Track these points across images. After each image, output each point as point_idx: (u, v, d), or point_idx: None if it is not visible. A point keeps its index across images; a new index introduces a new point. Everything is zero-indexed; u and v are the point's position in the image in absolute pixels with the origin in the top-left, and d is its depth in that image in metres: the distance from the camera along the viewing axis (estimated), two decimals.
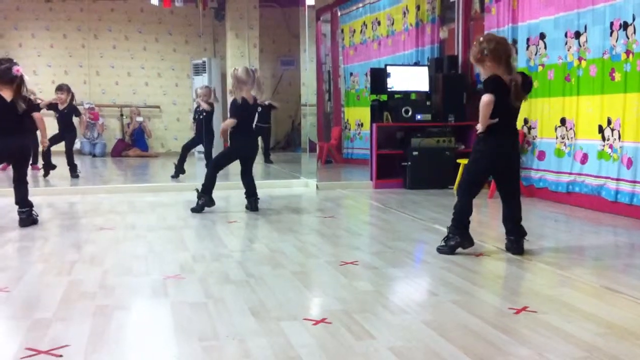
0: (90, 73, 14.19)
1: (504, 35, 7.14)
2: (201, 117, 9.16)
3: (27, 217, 5.29)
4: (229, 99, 6.15)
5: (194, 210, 5.97)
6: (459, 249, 4.18)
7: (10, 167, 8.58)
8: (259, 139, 11.31)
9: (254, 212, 5.96)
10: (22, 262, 4.06)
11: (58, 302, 3.14)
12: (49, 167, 8.80)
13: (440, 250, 4.22)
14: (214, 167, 6.10)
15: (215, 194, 6.08)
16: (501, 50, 4.02)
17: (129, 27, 14.35)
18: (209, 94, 9.29)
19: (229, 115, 6.03)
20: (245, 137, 6.06)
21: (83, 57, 14.16)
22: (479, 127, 4.13)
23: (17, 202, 5.33)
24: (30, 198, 5.39)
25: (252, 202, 6.09)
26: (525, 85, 4.14)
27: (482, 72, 4.17)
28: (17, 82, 5.13)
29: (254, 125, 6.25)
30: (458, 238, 4.16)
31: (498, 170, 4.27)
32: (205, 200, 5.97)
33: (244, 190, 6.14)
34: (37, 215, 5.44)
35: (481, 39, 4.12)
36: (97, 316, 2.92)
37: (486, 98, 4.04)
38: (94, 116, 13.60)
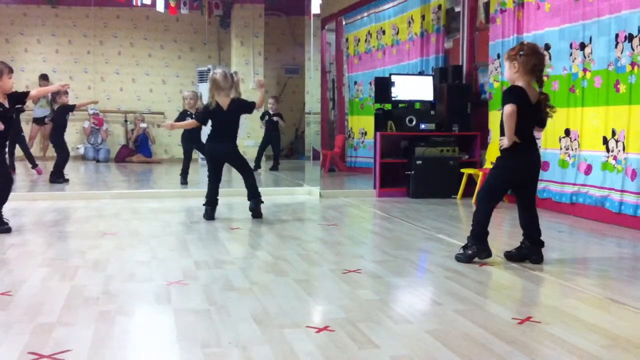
0: (95, 79, 14.24)
1: (509, 46, 7.13)
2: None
3: None
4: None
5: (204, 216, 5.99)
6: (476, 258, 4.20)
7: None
8: (269, 147, 11.33)
9: (257, 220, 5.95)
10: (25, 267, 4.06)
11: (61, 307, 3.14)
12: (60, 178, 8.76)
13: (458, 258, 4.23)
14: (208, 179, 6.09)
15: (219, 200, 6.08)
16: (534, 62, 4.01)
17: (135, 34, 14.40)
18: (195, 98, 9.02)
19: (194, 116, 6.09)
20: (214, 142, 5.99)
21: (88, 63, 14.21)
22: (505, 143, 4.06)
23: None
24: (34, 203, 5.37)
25: (251, 205, 6.03)
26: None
27: (507, 71, 4.17)
28: None
29: (234, 130, 6.04)
30: (475, 248, 4.16)
31: (523, 182, 4.24)
32: (205, 209, 5.99)
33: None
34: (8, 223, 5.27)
35: (524, 42, 4.21)
36: (100, 321, 2.92)
37: (509, 108, 3.98)
38: (98, 122, 13.64)
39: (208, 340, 2.68)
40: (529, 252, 4.22)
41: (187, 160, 8.99)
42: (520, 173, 4.18)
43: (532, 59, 4.02)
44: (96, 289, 3.48)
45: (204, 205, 6.02)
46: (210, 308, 3.15)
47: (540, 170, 6.59)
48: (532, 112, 4.08)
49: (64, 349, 2.56)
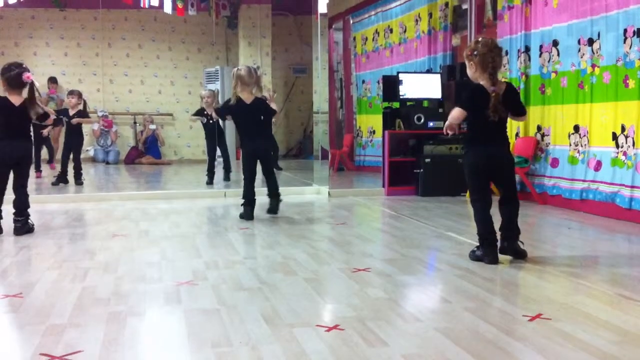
0: (104, 81, 14.31)
1: (517, 42, 7.15)
2: (211, 121, 8.83)
3: (23, 226, 5.21)
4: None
5: (241, 216, 6.00)
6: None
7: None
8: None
9: (266, 219, 5.96)
10: (36, 269, 4.09)
11: (72, 308, 3.15)
12: (62, 180, 8.77)
13: (469, 255, 4.23)
14: (245, 179, 6.08)
15: (228, 201, 6.09)
16: (489, 60, 4.02)
17: (143, 36, 14.46)
18: (213, 97, 8.99)
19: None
20: (251, 140, 5.99)
21: (97, 65, 14.28)
22: (445, 129, 4.29)
23: (15, 209, 5.23)
24: (44, 205, 5.40)
25: (272, 203, 6.07)
26: (509, 96, 4.12)
27: (468, 70, 4.19)
28: (28, 89, 5.14)
29: (265, 126, 6.14)
30: (480, 251, 4.15)
31: (488, 177, 4.24)
32: (244, 209, 5.97)
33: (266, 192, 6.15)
34: (33, 225, 5.38)
35: (479, 39, 4.14)
36: (110, 322, 2.93)
37: (456, 113, 4.15)
38: (107, 124, 13.70)
39: (218, 340, 2.69)
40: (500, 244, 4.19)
41: (211, 159, 8.97)
42: (476, 166, 4.16)
43: (487, 57, 4.02)
44: (107, 290, 3.50)
45: (242, 205, 6.02)
46: (220, 308, 3.16)
47: (550, 167, 6.71)
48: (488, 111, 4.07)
49: (76, 349, 2.57)
